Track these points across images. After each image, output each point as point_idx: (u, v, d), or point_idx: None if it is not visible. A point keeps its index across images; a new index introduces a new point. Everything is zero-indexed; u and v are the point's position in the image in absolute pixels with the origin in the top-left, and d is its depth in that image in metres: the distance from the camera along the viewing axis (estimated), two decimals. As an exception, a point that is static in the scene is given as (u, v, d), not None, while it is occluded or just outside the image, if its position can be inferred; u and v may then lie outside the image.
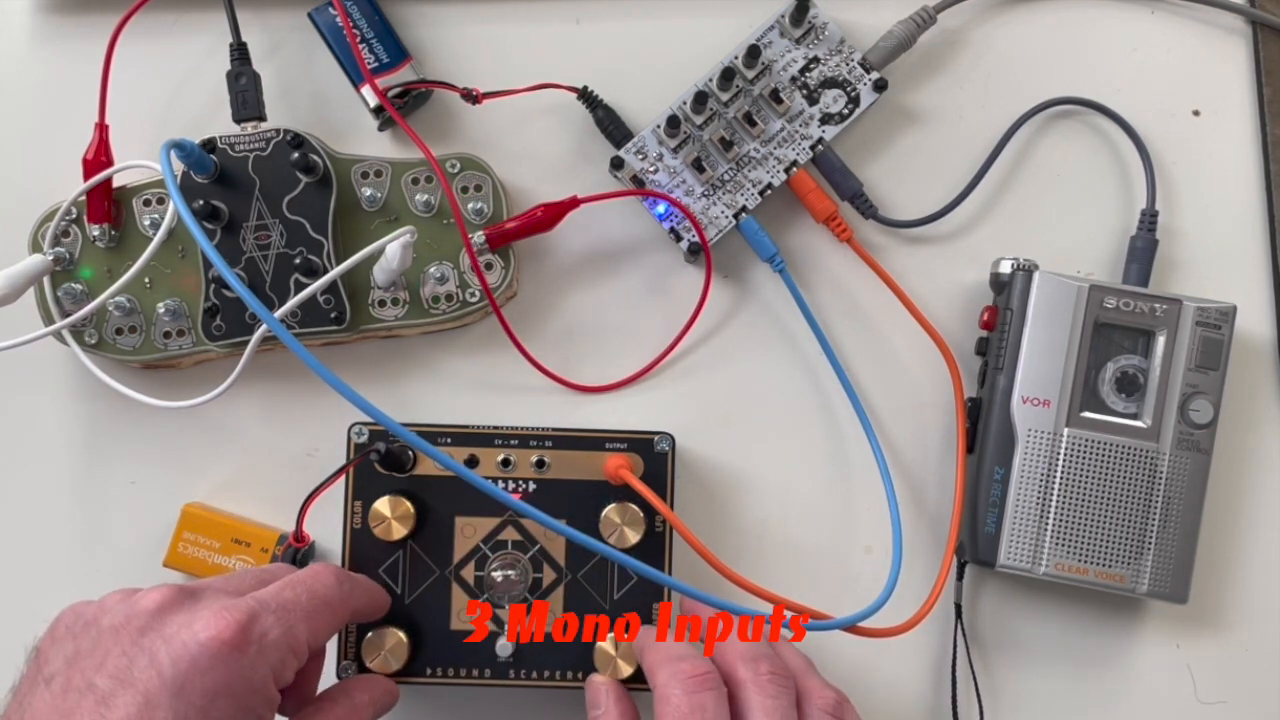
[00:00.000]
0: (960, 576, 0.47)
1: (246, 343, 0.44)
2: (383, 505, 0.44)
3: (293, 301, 0.44)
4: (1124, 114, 0.49)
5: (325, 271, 0.45)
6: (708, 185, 0.48)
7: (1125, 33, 0.50)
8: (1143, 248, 0.47)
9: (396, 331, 0.47)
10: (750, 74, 0.47)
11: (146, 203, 0.47)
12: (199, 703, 0.33)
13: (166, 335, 0.47)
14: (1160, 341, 0.45)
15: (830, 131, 0.48)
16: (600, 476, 0.45)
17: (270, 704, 0.36)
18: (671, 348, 0.49)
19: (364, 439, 0.44)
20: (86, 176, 0.46)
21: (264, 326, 0.44)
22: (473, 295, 0.47)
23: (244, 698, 0.34)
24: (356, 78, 0.47)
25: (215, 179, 0.46)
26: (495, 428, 0.45)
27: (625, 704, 0.41)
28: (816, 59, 0.48)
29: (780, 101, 0.47)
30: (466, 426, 0.45)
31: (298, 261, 0.45)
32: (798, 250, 0.49)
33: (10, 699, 0.35)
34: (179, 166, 0.45)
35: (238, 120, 0.46)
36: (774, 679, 0.38)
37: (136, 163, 0.45)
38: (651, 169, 0.47)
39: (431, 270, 0.46)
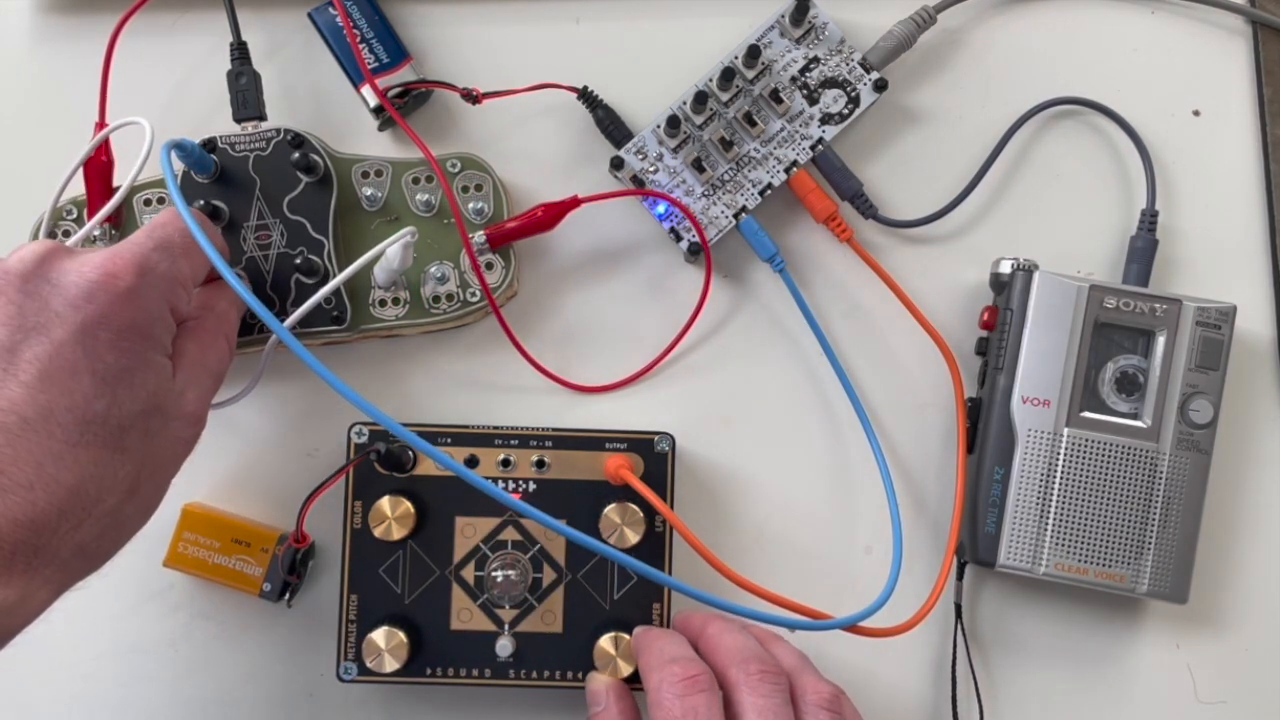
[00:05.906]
0: (960, 576, 0.47)
1: (246, 342, 0.45)
2: (383, 505, 0.44)
3: (301, 310, 0.43)
4: (1124, 114, 0.49)
5: (326, 271, 0.45)
6: (708, 185, 0.48)
7: (1125, 33, 0.50)
8: (1143, 248, 0.47)
9: (397, 331, 0.47)
10: (750, 74, 0.47)
11: (147, 203, 0.47)
12: (105, 337, 0.35)
13: (166, 335, 0.47)
14: (1160, 341, 0.45)
15: (830, 131, 0.47)
16: (600, 476, 0.45)
17: (170, 331, 0.38)
18: (671, 348, 0.49)
19: (364, 439, 0.44)
20: (87, 176, 0.46)
21: (274, 337, 0.44)
22: (473, 295, 0.47)
23: (146, 327, 0.37)
24: (356, 78, 0.47)
25: (215, 179, 0.46)
26: (495, 428, 0.45)
27: (626, 702, 0.41)
28: (816, 59, 0.48)
29: (780, 101, 0.47)
30: (466, 426, 0.45)
31: (298, 261, 0.45)
32: (798, 250, 0.49)
33: None
34: (179, 166, 0.45)
35: (238, 120, 0.46)
36: (765, 678, 0.38)
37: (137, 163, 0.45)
38: (651, 169, 0.47)
39: (432, 270, 0.46)
